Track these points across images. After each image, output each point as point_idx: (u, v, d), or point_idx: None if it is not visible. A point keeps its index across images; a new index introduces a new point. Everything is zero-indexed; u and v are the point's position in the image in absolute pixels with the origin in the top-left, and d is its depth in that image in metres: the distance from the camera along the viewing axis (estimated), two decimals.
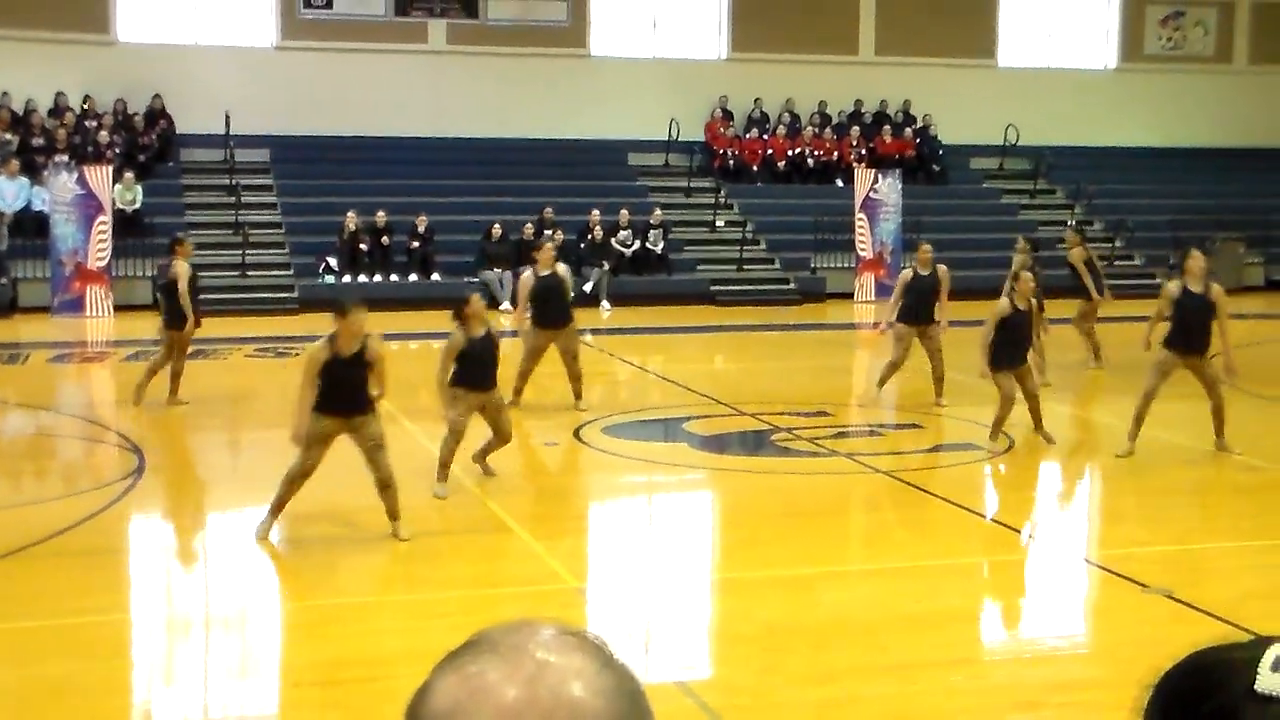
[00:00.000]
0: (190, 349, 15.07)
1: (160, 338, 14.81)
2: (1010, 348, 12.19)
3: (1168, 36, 31.41)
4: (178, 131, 26.21)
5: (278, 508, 9.59)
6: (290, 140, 26.41)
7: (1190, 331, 11.88)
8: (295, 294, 23.68)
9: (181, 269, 14.42)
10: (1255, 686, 1.21)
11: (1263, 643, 1.24)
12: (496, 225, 24.70)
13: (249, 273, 24.14)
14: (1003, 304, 12.36)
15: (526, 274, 14.38)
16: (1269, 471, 11.90)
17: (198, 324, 14.57)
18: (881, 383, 14.58)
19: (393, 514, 9.62)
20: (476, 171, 26.77)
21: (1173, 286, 12.09)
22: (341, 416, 9.61)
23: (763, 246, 26.70)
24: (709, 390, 15.76)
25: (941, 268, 14.61)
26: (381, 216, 24.41)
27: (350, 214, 24.19)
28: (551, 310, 14.12)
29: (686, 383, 15.49)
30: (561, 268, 14.42)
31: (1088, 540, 10.48)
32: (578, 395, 14.18)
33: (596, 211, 25.30)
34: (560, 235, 23.14)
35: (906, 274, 14.81)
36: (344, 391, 9.61)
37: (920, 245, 15.24)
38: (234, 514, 11.05)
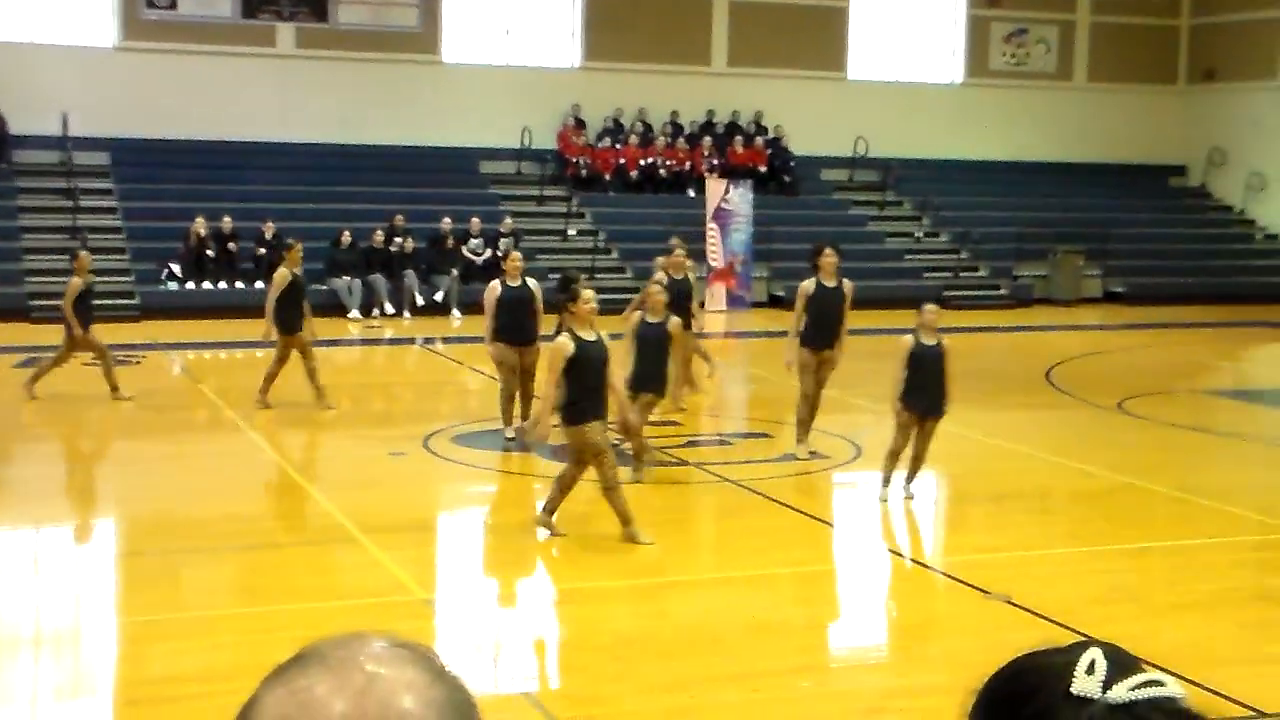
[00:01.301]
0: (62, 355, 15.29)
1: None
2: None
3: (1011, 53, 32.13)
4: (11, 132, 25.41)
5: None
6: (132, 143, 25.75)
7: (822, 326, 12.32)
8: (137, 301, 23.11)
9: (73, 284, 15.05)
10: (1072, 689, 1.25)
11: (1080, 647, 1.29)
12: (346, 233, 24.37)
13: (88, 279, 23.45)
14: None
15: (494, 284, 13.37)
16: (1106, 478, 12.18)
17: (74, 335, 14.96)
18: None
19: (625, 519, 9.56)
20: (326, 178, 26.38)
21: (808, 284, 12.44)
22: (602, 417, 9.50)
23: (615, 256, 26.72)
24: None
25: (847, 282, 12.87)
26: (228, 222, 23.93)
27: (197, 220, 23.68)
28: (516, 324, 13.14)
29: (539, 392, 15.37)
30: (531, 281, 13.45)
31: (932, 547, 10.63)
32: (525, 416, 13.22)
33: (448, 220, 25.11)
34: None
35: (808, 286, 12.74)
36: (598, 378, 9.44)
37: (824, 251, 12.82)
38: (68, 527, 10.73)
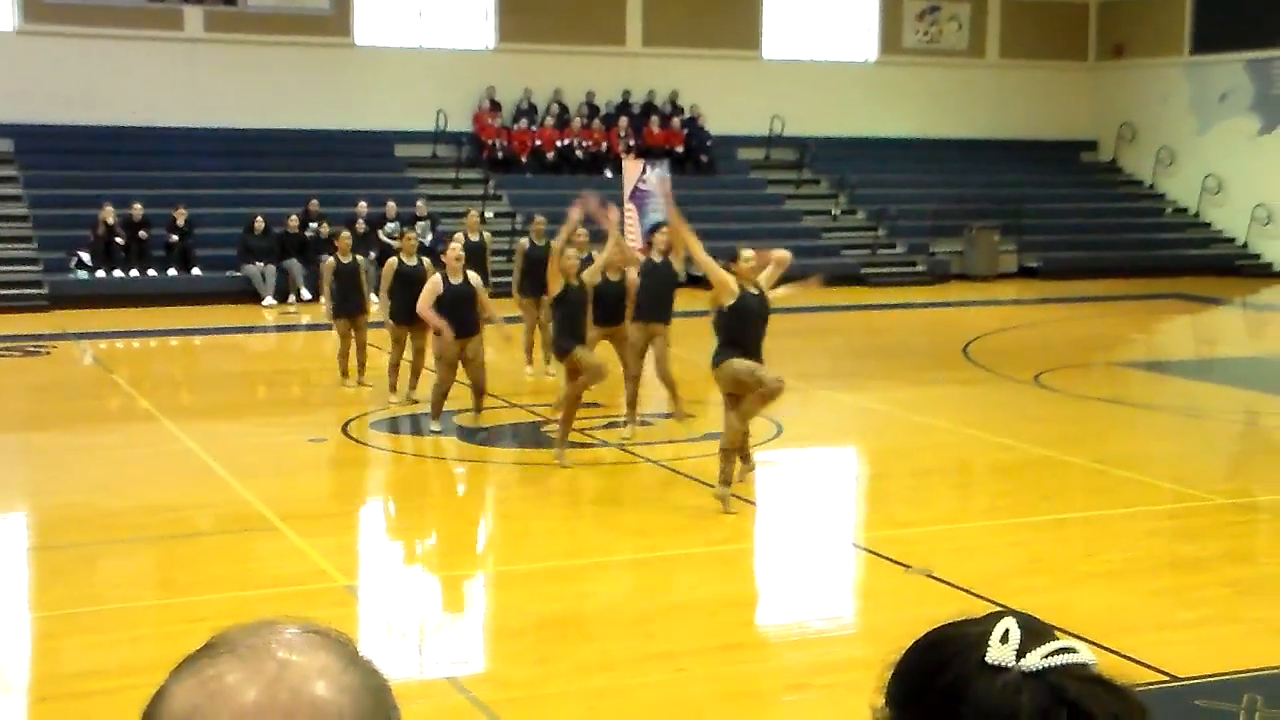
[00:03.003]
0: None
1: None
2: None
3: (924, 31, 32.36)
4: None
5: None
6: (36, 130, 25.28)
7: (609, 309, 12.36)
8: (45, 290, 22.74)
9: None
10: (986, 658, 1.28)
11: (995, 617, 1.32)
12: (259, 218, 24.10)
13: None
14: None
15: (436, 278, 12.80)
16: (1024, 451, 12.33)
17: None
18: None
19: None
20: (237, 163, 26.06)
21: (586, 275, 12.41)
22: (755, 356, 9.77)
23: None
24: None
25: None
26: (138, 209, 23.56)
27: (106, 207, 23.30)
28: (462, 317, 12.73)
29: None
30: (473, 275, 12.99)
31: (853, 523, 10.70)
32: (477, 410, 13.15)
33: (364, 203, 24.89)
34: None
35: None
36: (758, 332, 9.81)
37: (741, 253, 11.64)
38: None
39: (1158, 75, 32.25)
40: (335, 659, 1.16)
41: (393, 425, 13.57)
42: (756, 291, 9.96)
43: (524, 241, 15.49)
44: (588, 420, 13.36)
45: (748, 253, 10.06)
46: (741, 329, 9.88)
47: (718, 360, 9.88)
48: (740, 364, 9.74)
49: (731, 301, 9.83)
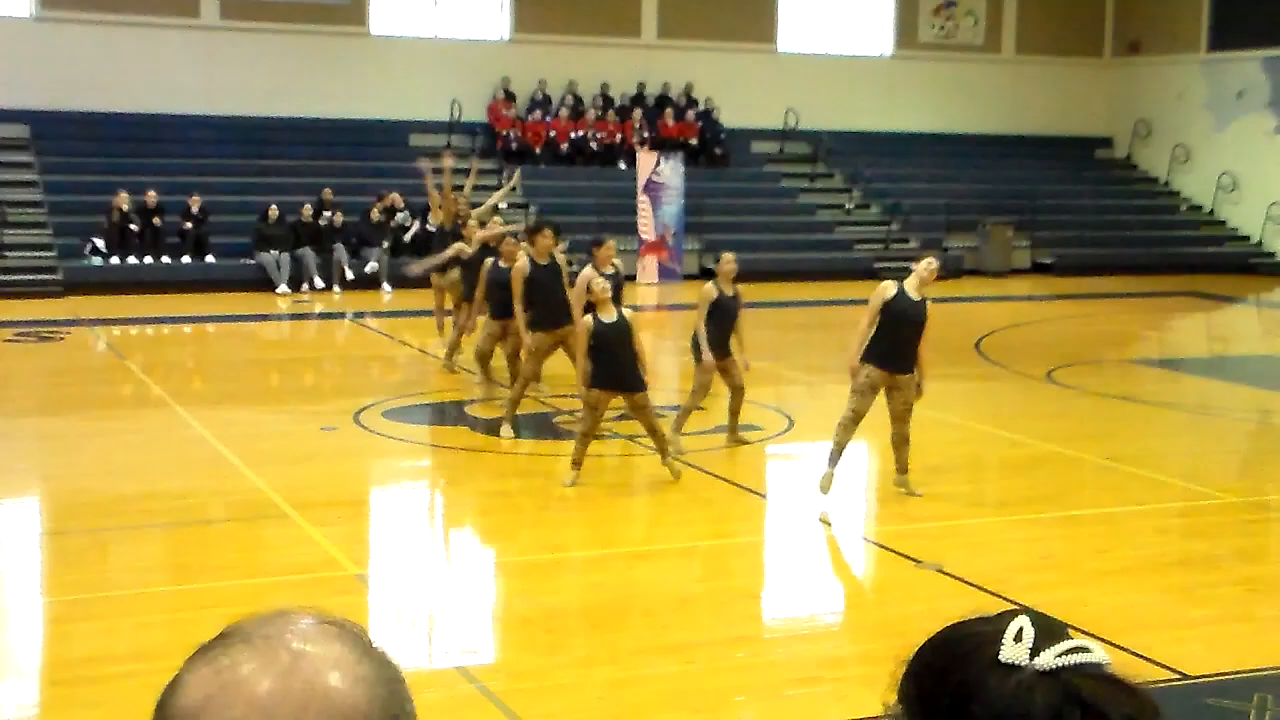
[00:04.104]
0: None
1: None
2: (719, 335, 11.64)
3: (940, 25, 32.28)
4: None
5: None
6: (53, 116, 25.33)
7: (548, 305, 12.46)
8: (59, 276, 22.80)
9: None
10: (1000, 657, 1.28)
11: (1008, 615, 1.32)
12: (274, 207, 24.12)
13: (7, 254, 23.14)
14: (708, 288, 11.75)
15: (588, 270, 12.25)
16: (1033, 447, 12.31)
17: None
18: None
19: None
20: (252, 151, 26.10)
21: (522, 263, 12.64)
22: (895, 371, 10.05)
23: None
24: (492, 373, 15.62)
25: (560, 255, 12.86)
26: (153, 196, 23.60)
27: (121, 194, 23.34)
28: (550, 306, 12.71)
29: (468, 365, 15.32)
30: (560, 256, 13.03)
31: (863, 518, 10.69)
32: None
33: (397, 195, 24.90)
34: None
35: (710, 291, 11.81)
36: (912, 335, 10.10)
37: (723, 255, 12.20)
38: None
39: (1174, 72, 32.14)
40: (349, 650, 1.16)
41: (404, 415, 13.58)
42: (732, 293, 11.43)
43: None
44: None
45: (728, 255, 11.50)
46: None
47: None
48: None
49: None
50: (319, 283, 23.84)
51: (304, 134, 26.70)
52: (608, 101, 29.22)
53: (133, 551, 9.07)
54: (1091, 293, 25.45)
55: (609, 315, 10.34)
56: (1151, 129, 32.77)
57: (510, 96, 28.60)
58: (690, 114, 29.53)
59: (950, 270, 27.97)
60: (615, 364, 10.28)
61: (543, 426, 13.12)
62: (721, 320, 11.55)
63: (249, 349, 18.93)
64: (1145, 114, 32.84)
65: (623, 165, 28.13)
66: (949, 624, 1.36)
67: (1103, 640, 1.35)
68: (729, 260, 11.81)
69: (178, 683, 1.15)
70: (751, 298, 15.11)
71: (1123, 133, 33.50)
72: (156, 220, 23.55)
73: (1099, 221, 30.57)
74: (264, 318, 21.44)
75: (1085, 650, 1.28)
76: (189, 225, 23.75)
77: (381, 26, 28.05)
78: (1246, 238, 30.80)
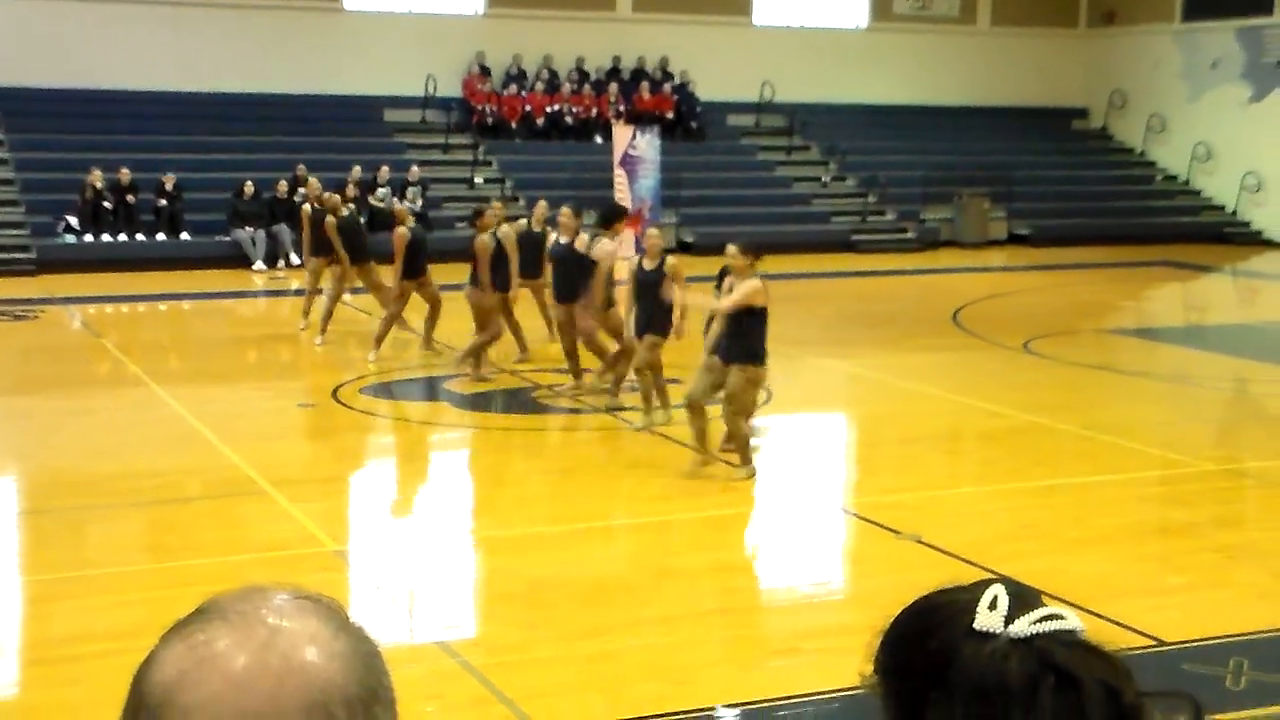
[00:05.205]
0: None
1: None
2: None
3: None
4: None
5: None
6: (23, 93, 25.11)
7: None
8: (32, 254, 22.65)
9: None
10: (974, 625, 1.29)
11: (983, 584, 1.33)
12: (249, 183, 24.00)
13: None
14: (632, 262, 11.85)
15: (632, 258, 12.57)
16: (1013, 418, 12.35)
17: None
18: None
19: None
20: (226, 128, 25.93)
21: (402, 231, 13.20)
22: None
23: (522, 204, 26.52)
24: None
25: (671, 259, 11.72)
26: (126, 173, 23.44)
27: (94, 171, 23.19)
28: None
29: (449, 341, 15.29)
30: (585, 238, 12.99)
31: (843, 489, 10.72)
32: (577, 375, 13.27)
33: (358, 169, 24.79)
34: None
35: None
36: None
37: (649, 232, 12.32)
38: None
39: (1149, 43, 32.16)
40: (326, 625, 1.16)
41: (382, 391, 13.55)
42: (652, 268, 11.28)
43: (521, 223, 15.17)
44: (579, 387, 13.35)
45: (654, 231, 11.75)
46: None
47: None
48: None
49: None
50: (295, 259, 23.73)
51: (279, 110, 26.54)
52: (583, 76, 29.13)
53: (110, 530, 9.04)
54: (1068, 263, 25.51)
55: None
56: (1127, 99, 32.82)
57: (485, 71, 28.49)
58: (666, 87, 29.46)
59: (927, 242, 28.07)
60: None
61: (523, 402, 13.11)
62: (642, 297, 11.50)
63: (225, 326, 18.86)
64: (1120, 84, 32.88)
65: (599, 139, 28.05)
66: (924, 593, 1.37)
67: (1081, 609, 1.36)
68: (654, 235, 11.82)
69: (153, 659, 1.14)
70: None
71: (1098, 103, 33.54)
72: (130, 197, 23.41)
73: (1075, 192, 30.62)
74: (240, 295, 21.35)
75: (1059, 618, 1.29)
76: (163, 202, 23.63)
77: (356, 2, 27.89)
78: (1221, 207, 30.89)
